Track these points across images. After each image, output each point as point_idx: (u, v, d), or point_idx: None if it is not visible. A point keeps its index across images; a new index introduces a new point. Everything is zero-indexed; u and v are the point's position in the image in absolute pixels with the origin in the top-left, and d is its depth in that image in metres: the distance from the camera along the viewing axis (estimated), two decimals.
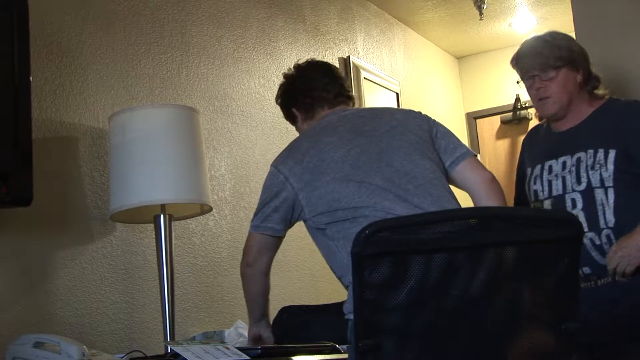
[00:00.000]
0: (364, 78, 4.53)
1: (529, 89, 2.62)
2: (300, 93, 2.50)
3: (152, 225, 2.59)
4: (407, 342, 1.56)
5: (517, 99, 5.72)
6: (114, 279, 2.67)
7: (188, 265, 3.00)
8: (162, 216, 2.55)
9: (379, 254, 1.51)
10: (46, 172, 2.45)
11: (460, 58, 6.13)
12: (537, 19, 5.42)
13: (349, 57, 4.44)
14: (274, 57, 3.79)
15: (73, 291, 2.51)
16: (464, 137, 6.00)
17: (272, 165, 2.36)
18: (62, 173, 2.58)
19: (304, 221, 2.32)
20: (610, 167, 2.43)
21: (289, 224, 2.33)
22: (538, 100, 2.60)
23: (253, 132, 3.53)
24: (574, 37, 3.49)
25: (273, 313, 2.64)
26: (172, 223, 2.60)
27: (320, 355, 2.25)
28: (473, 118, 6.08)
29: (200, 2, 3.36)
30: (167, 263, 2.54)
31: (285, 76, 2.57)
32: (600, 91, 2.61)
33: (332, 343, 2.27)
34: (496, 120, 5.97)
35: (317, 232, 2.29)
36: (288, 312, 2.60)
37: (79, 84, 2.69)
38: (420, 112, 2.47)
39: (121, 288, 2.69)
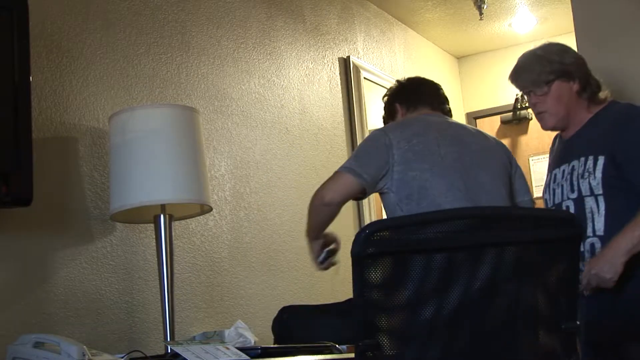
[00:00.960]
0: (364, 78, 4.53)
1: (528, 103, 2.68)
2: (409, 92, 2.78)
3: (152, 225, 2.58)
4: (407, 342, 1.56)
5: (517, 99, 5.72)
6: (114, 279, 2.67)
7: (188, 265, 3.00)
8: (162, 216, 2.55)
9: (379, 253, 1.51)
10: (46, 172, 2.45)
11: (460, 58, 6.13)
12: (537, 19, 5.41)
13: (349, 57, 4.44)
14: (274, 57, 3.79)
15: (73, 291, 2.51)
16: None
17: (378, 130, 2.57)
18: (62, 173, 2.58)
19: (379, 191, 2.49)
20: (598, 174, 2.42)
21: (375, 185, 2.46)
22: (536, 114, 2.64)
23: (253, 132, 3.53)
24: (574, 37, 3.49)
25: (273, 313, 2.64)
26: (172, 223, 2.60)
27: (320, 355, 2.25)
28: (473, 118, 6.08)
29: (200, 2, 3.36)
30: (167, 263, 2.54)
31: (398, 81, 2.88)
32: (602, 94, 2.60)
33: (332, 343, 2.27)
34: (496, 120, 5.97)
35: (390, 200, 2.47)
36: (288, 312, 2.61)
37: (79, 84, 2.69)
38: (505, 146, 2.73)
39: (121, 288, 2.69)
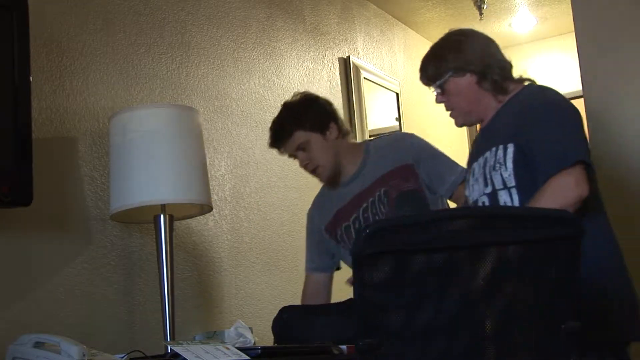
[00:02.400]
0: (364, 78, 4.53)
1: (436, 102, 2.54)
2: (338, 116, 2.87)
3: (152, 225, 2.58)
4: (408, 342, 1.56)
5: None
6: (114, 279, 2.67)
7: (188, 265, 3.00)
8: (162, 216, 2.55)
9: (379, 253, 1.51)
10: (46, 172, 2.45)
11: None
12: (537, 19, 5.42)
13: (349, 57, 4.44)
14: (274, 57, 3.79)
15: (73, 291, 2.51)
16: (463, 137, 6.00)
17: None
18: (62, 173, 2.58)
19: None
20: (509, 165, 2.26)
21: None
22: (449, 113, 2.52)
23: (253, 132, 3.53)
24: (574, 37, 3.49)
25: (273, 313, 2.64)
26: (172, 223, 2.60)
27: (320, 355, 2.25)
28: None
29: (200, 2, 3.36)
30: (167, 263, 2.54)
31: (318, 98, 2.90)
32: (511, 83, 2.42)
33: (332, 343, 2.27)
34: None
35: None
36: (288, 312, 2.60)
37: (79, 84, 2.69)
38: None
39: (121, 288, 2.69)
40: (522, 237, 1.61)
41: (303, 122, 2.79)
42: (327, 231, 2.87)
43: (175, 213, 2.64)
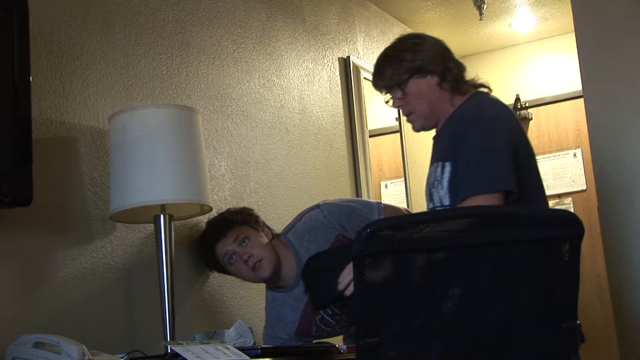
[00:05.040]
0: (364, 78, 4.53)
1: (393, 107, 2.48)
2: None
3: (152, 225, 2.59)
4: (408, 341, 1.56)
5: (517, 99, 5.72)
6: (114, 279, 2.66)
7: (188, 265, 3.00)
8: (162, 216, 2.55)
9: (380, 252, 1.51)
10: (46, 172, 2.45)
11: (460, 58, 6.11)
12: (537, 19, 5.42)
13: (349, 57, 4.44)
14: (274, 57, 3.79)
15: (73, 291, 2.51)
16: None
17: None
18: (62, 173, 2.58)
19: None
20: (445, 184, 2.23)
21: None
22: (406, 118, 2.46)
23: (253, 132, 3.53)
24: (574, 37, 3.49)
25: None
26: (172, 223, 2.60)
27: (320, 356, 2.25)
28: None
29: (200, 2, 3.36)
30: (167, 263, 2.54)
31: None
32: (465, 83, 2.40)
33: (332, 343, 2.27)
34: None
35: None
36: (315, 259, 2.59)
37: (79, 84, 2.68)
38: None
39: (121, 288, 2.68)
40: (522, 237, 1.61)
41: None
42: (299, 334, 2.78)
43: (175, 213, 2.64)
